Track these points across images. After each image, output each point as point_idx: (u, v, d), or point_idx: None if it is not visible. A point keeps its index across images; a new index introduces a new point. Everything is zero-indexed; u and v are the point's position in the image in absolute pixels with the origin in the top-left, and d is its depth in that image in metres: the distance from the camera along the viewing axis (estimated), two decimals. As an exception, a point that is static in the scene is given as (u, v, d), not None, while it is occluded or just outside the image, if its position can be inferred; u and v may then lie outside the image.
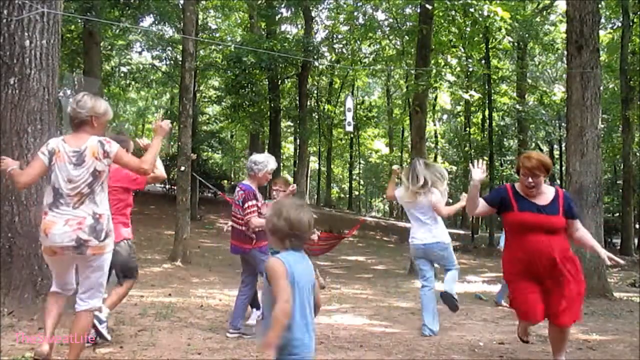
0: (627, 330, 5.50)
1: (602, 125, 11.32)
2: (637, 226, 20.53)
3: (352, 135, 28.28)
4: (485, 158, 21.07)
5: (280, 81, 21.37)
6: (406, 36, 17.20)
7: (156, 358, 3.88)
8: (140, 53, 23.56)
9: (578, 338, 5.00)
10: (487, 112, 20.71)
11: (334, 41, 21.65)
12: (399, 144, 30.58)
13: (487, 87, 19.47)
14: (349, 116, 9.01)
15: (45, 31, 5.33)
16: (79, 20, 12.97)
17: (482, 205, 3.82)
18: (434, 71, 12.59)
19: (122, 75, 21.39)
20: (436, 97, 25.67)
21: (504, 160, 23.07)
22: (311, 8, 20.62)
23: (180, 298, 6.51)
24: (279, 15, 20.71)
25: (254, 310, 5.12)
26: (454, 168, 28.37)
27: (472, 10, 11.92)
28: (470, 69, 17.73)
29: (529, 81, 23.62)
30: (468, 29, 15.40)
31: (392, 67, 21.81)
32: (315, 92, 26.55)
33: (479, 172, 3.70)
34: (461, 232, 25.50)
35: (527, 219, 3.60)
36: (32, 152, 5.24)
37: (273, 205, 2.36)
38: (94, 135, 3.21)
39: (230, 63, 18.48)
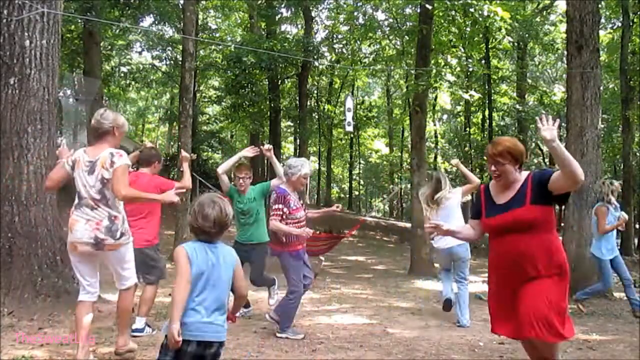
0: (627, 330, 5.50)
1: (602, 125, 11.33)
2: (637, 226, 20.52)
3: (352, 135, 28.28)
4: (486, 158, 21.10)
5: (280, 81, 21.36)
6: (406, 36, 17.18)
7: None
8: (140, 53, 23.59)
9: (578, 338, 5.00)
10: (487, 112, 20.72)
11: (334, 41, 21.64)
12: (399, 144, 30.56)
13: (487, 87, 19.48)
14: (349, 116, 9.01)
15: (45, 31, 5.34)
16: (79, 20, 12.97)
17: (472, 226, 3.36)
18: (434, 71, 12.58)
19: (122, 75, 21.39)
20: (436, 97, 25.65)
21: (504, 161, 23.04)
22: (311, 8, 20.61)
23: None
24: (279, 15, 20.71)
25: (273, 289, 5.43)
26: (454, 168, 28.35)
27: (472, 10, 11.91)
28: (470, 69, 17.73)
29: (529, 81, 23.62)
30: (468, 29, 15.39)
31: (392, 67, 21.79)
32: (315, 92, 26.55)
33: (548, 130, 2.86)
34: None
35: (492, 224, 3.15)
36: (32, 152, 5.24)
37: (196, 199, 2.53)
38: (114, 144, 3.62)
39: (230, 63, 18.48)
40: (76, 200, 3.54)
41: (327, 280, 9.14)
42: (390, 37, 19.40)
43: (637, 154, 20.26)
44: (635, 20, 18.15)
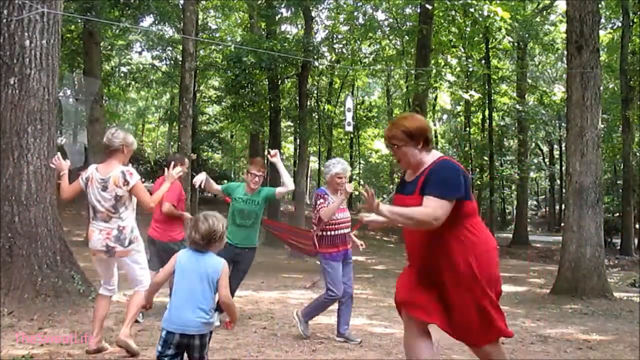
0: (627, 330, 5.50)
1: (602, 125, 11.32)
2: (637, 226, 20.51)
3: (352, 135, 28.25)
4: (485, 158, 21.09)
5: (280, 81, 21.32)
6: (406, 36, 17.22)
7: (156, 358, 3.88)
8: (140, 53, 23.58)
9: (578, 338, 5.00)
10: (487, 112, 20.71)
11: (334, 41, 21.61)
12: (399, 144, 30.55)
13: (487, 87, 19.48)
14: (349, 116, 9.02)
15: (45, 31, 5.34)
16: (79, 20, 12.95)
17: None
18: (434, 71, 12.61)
19: (122, 75, 21.37)
20: (436, 97, 25.66)
21: (504, 160, 23.06)
22: (311, 8, 20.56)
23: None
24: (279, 15, 20.67)
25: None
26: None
27: (472, 10, 11.93)
28: (470, 69, 17.74)
29: (529, 81, 23.62)
30: (468, 29, 15.42)
31: (392, 67, 21.81)
32: (315, 92, 26.51)
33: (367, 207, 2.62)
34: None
35: (394, 202, 2.82)
36: (32, 152, 5.24)
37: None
38: (123, 161, 3.98)
39: (230, 63, 18.46)
40: (92, 213, 3.98)
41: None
42: (390, 37, 19.43)
43: (637, 154, 20.26)
44: (635, 20, 18.16)
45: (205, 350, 2.72)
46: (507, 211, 37.11)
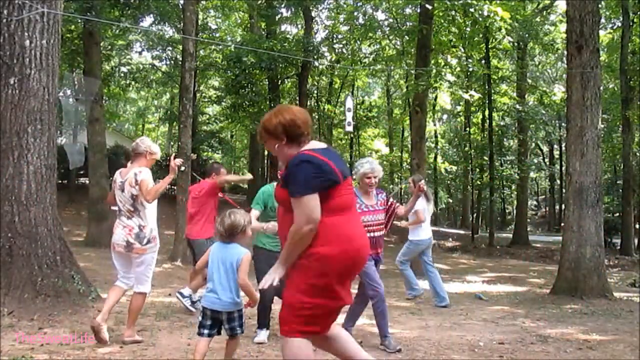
0: (627, 330, 5.49)
1: (602, 125, 11.32)
2: (637, 226, 20.51)
3: (352, 135, 28.24)
4: (485, 158, 21.09)
5: (280, 81, 21.36)
6: (406, 36, 17.20)
7: (156, 358, 3.88)
8: (140, 53, 23.59)
9: (578, 338, 5.00)
10: (487, 112, 20.70)
11: (334, 41, 21.64)
12: (399, 144, 30.56)
13: (487, 87, 19.47)
14: (349, 116, 9.01)
15: (45, 31, 5.34)
16: (79, 20, 12.94)
17: None
18: (434, 71, 12.60)
19: (122, 75, 21.37)
20: (436, 97, 25.65)
21: (504, 160, 23.06)
22: (311, 8, 20.60)
23: (180, 298, 6.50)
24: (279, 15, 20.70)
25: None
26: (454, 168, 28.35)
27: (472, 10, 11.91)
28: (470, 69, 17.72)
29: (529, 81, 23.62)
30: (468, 29, 15.41)
31: (392, 67, 21.80)
32: (315, 92, 26.53)
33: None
34: (461, 232, 25.50)
35: None
36: (32, 152, 5.25)
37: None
38: (145, 166, 4.34)
39: (230, 63, 18.49)
40: (118, 211, 4.37)
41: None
42: (390, 37, 19.41)
43: (637, 154, 20.25)
44: (635, 20, 18.16)
45: (233, 322, 3.39)
46: (507, 211, 37.13)
